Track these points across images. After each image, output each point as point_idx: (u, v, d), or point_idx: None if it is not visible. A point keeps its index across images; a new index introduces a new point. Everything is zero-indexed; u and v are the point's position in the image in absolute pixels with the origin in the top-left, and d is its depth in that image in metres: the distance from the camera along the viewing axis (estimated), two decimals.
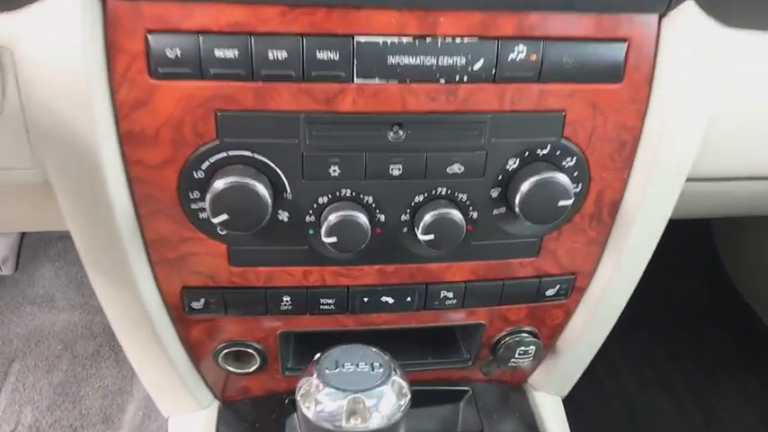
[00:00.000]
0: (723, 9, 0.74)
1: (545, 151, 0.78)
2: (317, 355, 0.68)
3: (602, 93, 0.76)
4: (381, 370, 0.66)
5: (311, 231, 0.79)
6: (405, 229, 0.81)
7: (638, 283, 0.95)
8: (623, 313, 0.99)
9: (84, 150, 0.69)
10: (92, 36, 0.65)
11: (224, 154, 0.72)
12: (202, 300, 0.85)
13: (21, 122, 0.69)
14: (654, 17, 0.74)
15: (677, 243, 1.24)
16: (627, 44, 0.74)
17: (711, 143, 0.83)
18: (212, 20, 0.66)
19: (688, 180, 0.85)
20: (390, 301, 0.89)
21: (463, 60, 0.71)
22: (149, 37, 0.66)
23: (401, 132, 0.74)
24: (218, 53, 0.67)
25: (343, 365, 0.66)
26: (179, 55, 0.66)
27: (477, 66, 0.71)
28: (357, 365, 0.66)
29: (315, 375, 0.64)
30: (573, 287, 0.93)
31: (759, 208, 1.15)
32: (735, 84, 0.80)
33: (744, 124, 0.83)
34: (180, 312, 0.87)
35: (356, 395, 0.62)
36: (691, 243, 2.06)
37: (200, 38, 0.66)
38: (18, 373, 1.85)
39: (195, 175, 0.73)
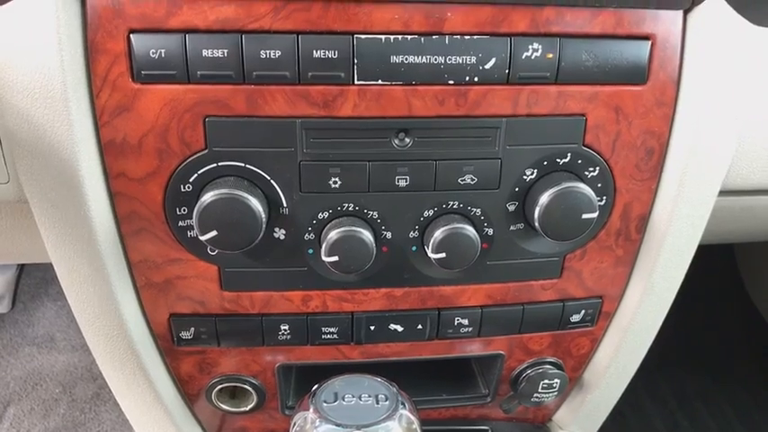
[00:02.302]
0: (753, 6, 0.69)
1: (565, 160, 0.72)
2: (315, 386, 0.61)
3: (625, 95, 0.70)
4: (387, 403, 0.58)
5: (311, 251, 0.73)
6: (413, 248, 0.74)
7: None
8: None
9: (61, 162, 0.63)
10: (69, 35, 0.60)
11: (213, 165, 0.66)
12: (192, 329, 0.78)
13: None
14: (678, 13, 0.69)
15: (701, 272, 1.16)
16: (650, 42, 0.69)
17: (745, 150, 0.77)
18: (199, 17, 0.61)
19: (721, 193, 0.78)
20: (399, 329, 0.81)
21: (473, 59, 0.65)
22: (132, 37, 0.61)
23: (407, 139, 0.68)
24: (206, 53, 0.61)
25: (343, 398, 0.58)
26: (164, 56, 0.61)
27: (489, 65, 0.66)
28: (359, 398, 0.58)
29: (311, 409, 0.57)
30: (600, 312, 0.85)
31: None
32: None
33: None
34: (168, 343, 0.80)
35: (358, 431, 0.54)
36: (715, 272, 1.97)
37: (187, 37, 0.61)
38: (13, 419, 1.77)
39: (182, 188, 0.67)
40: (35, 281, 2.14)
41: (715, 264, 1.97)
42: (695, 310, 1.86)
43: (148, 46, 0.61)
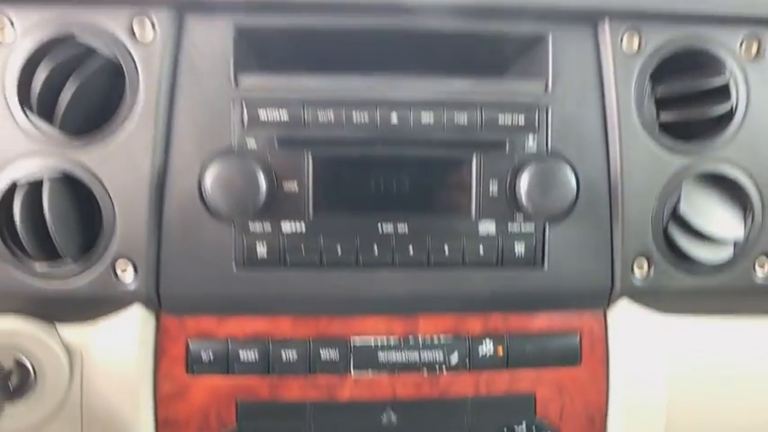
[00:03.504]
0: (657, 300, 0.90)
1: (522, 428, 0.89)
2: None
3: (565, 375, 0.89)
4: None
5: None
6: None
7: None
8: None
9: None
10: (145, 344, 0.83)
11: None
12: None
13: (78, 413, 0.84)
14: (599, 311, 0.91)
15: None
16: (579, 334, 0.90)
17: (675, 409, 0.93)
18: (239, 329, 0.84)
19: None
20: None
21: (441, 354, 0.87)
22: (190, 343, 0.84)
23: (393, 417, 0.87)
24: (243, 355, 0.84)
25: None
26: (211, 357, 0.84)
27: (454, 358, 0.87)
28: None
29: None
30: None
31: None
32: (684, 359, 0.92)
33: (700, 396, 0.94)
34: None
35: None
36: None
37: (229, 343, 0.84)
38: None
39: None
40: None
41: None
42: None
43: (201, 349, 0.84)
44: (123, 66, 0.78)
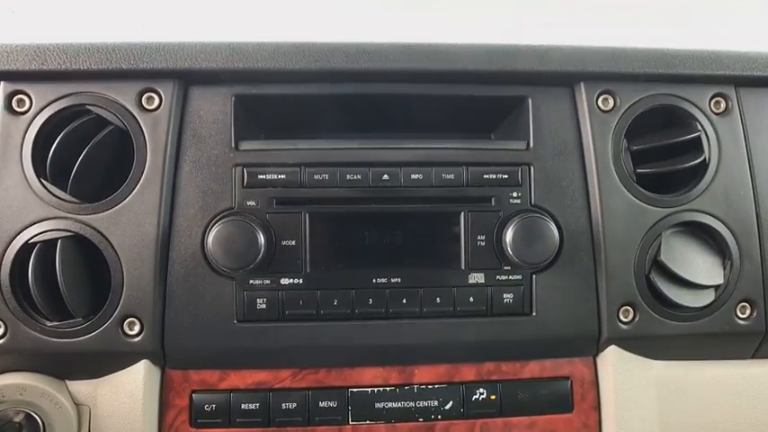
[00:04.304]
0: (644, 346, 0.93)
1: None
2: None
3: (557, 421, 0.92)
4: None
5: None
6: None
7: None
8: None
9: None
10: (151, 397, 0.86)
11: None
12: None
13: None
14: (589, 357, 0.94)
15: None
16: (570, 381, 0.93)
17: None
18: (241, 381, 0.88)
19: None
20: None
21: (436, 402, 0.90)
22: (193, 395, 0.87)
23: None
24: (244, 407, 0.87)
25: None
26: (214, 409, 0.87)
27: (448, 406, 0.90)
28: None
29: None
30: None
31: None
32: (673, 405, 0.94)
33: None
34: None
35: None
36: None
37: (231, 395, 0.87)
38: None
39: None
40: None
41: None
42: None
43: (204, 402, 0.87)
44: (132, 134, 0.84)
